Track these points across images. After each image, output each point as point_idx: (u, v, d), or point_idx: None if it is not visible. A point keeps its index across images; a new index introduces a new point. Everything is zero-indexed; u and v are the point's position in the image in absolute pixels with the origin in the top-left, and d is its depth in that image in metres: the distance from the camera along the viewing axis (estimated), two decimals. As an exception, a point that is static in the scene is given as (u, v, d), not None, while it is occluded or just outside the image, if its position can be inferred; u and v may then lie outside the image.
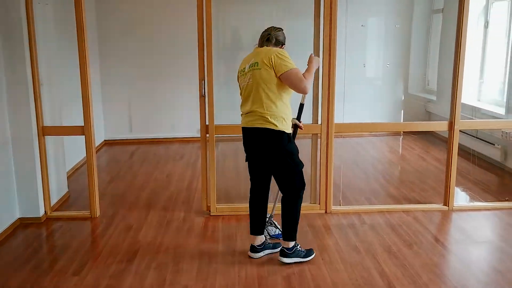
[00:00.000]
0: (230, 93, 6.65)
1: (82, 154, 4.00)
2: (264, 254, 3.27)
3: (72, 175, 5.11)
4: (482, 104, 5.71)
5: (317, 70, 3.82)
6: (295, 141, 3.27)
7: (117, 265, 3.17)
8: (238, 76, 3.17)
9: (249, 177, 3.30)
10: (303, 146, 4.31)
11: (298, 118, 3.39)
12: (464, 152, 5.35)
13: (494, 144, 5.27)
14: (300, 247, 3.20)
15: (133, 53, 6.58)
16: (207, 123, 3.91)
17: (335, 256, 3.25)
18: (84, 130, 3.86)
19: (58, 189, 4.28)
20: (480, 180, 4.88)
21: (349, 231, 3.66)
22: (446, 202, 4.07)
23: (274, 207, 3.59)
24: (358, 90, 6.55)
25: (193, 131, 6.36)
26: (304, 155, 4.60)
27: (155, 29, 6.51)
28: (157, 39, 6.54)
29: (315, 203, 4.06)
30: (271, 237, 3.50)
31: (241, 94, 3.16)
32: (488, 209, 4.07)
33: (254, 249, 3.26)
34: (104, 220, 3.92)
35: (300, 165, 3.12)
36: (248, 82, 3.04)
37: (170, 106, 6.74)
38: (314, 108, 3.99)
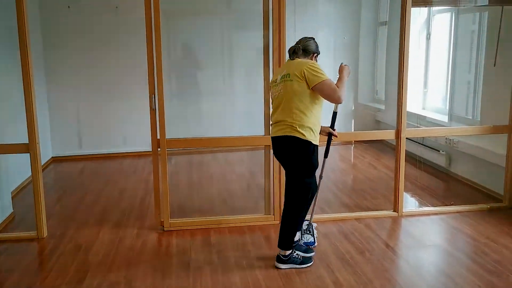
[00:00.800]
0: (183, 106, 6.64)
1: (29, 172, 3.85)
2: (288, 267, 3.23)
3: (17, 195, 4.90)
4: (427, 112, 5.95)
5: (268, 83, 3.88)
6: (330, 147, 3.50)
7: (66, 286, 3.05)
8: (270, 86, 3.30)
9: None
10: (257, 158, 4.35)
11: (332, 126, 3.48)
12: (412, 159, 5.54)
13: (439, 151, 5.49)
14: (296, 254, 3.26)
15: (82, 66, 6.41)
16: (158, 137, 3.85)
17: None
18: (29, 147, 3.71)
19: (2, 209, 4.09)
20: (427, 185, 5.06)
21: (303, 240, 3.70)
22: (395, 208, 4.19)
23: (312, 215, 3.64)
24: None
25: (146, 145, 6.24)
26: (257, 166, 4.63)
27: (104, 41, 6.39)
28: (107, 52, 6.42)
29: (269, 214, 4.07)
30: (304, 243, 3.50)
31: (272, 104, 3.26)
32: (435, 214, 4.22)
33: (280, 259, 3.24)
34: (52, 241, 3.77)
35: (313, 182, 3.23)
36: (279, 93, 3.14)
37: (121, 120, 6.61)
38: (266, 121, 4.02)
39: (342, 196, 4.83)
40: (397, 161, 4.16)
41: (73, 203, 4.70)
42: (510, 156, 4.27)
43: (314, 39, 3.28)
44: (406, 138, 4.14)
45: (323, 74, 3.02)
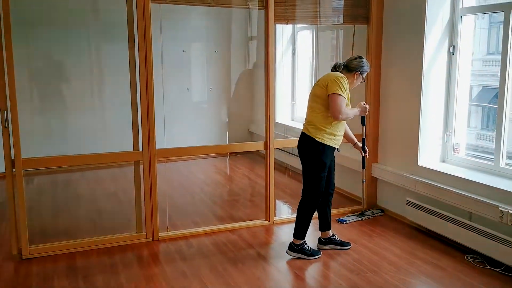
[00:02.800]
0: (46, 122, 6.15)
1: None
2: (330, 248, 3.74)
3: None
4: (295, 123, 6.27)
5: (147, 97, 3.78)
6: (364, 162, 4.42)
7: None
8: None
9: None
10: (128, 175, 4.19)
11: (363, 147, 4.09)
12: (283, 168, 5.78)
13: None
14: (307, 246, 3.61)
15: None
16: (13, 157, 3.51)
17: (162, 285, 3.18)
18: None
19: None
20: (297, 192, 5.29)
21: (176, 256, 3.63)
22: (267, 217, 4.32)
23: (364, 201, 4.56)
24: (184, 114, 6.65)
25: (2, 166, 5.66)
26: (128, 183, 4.46)
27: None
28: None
29: (141, 232, 3.93)
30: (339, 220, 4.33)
31: None
32: (304, 219, 4.43)
33: (321, 241, 3.78)
34: None
35: (323, 178, 3.53)
36: (309, 97, 3.55)
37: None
38: (134, 134, 3.89)
39: (216, 208, 4.85)
40: (267, 171, 4.29)
41: None
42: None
43: (362, 57, 3.56)
44: (277, 148, 4.30)
45: (341, 90, 3.32)
